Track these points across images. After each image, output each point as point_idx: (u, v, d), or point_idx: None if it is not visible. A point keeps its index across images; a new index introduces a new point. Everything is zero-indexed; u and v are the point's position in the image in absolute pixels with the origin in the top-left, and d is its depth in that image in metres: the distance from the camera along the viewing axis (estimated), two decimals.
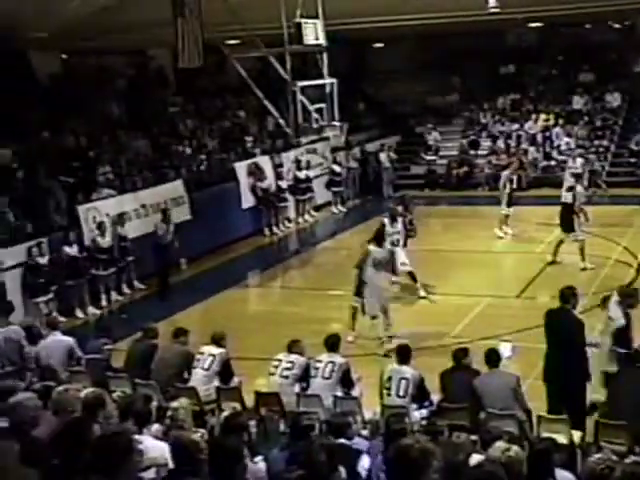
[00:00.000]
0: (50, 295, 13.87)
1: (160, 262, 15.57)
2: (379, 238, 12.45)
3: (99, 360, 9.82)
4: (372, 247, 12.18)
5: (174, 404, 6.55)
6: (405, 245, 14.17)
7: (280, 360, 9.06)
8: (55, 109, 18.13)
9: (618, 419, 7.48)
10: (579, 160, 18.66)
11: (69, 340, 9.96)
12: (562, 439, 7.41)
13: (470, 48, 26.99)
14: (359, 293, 12.14)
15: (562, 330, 8.52)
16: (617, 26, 27.31)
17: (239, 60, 15.77)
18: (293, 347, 9.18)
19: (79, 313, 14.53)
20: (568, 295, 8.61)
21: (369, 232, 14.71)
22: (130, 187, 17.32)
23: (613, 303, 8.93)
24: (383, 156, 24.60)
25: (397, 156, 25.26)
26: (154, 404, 6.69)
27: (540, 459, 5.25)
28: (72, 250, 14.47)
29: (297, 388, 8.94)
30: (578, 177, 17.11)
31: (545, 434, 7.41)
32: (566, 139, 23.96)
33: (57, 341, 9.90)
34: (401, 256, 13.90)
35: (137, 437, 5.39)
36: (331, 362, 8.82)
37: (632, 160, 22.91)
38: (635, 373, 7.89)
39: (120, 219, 15.62)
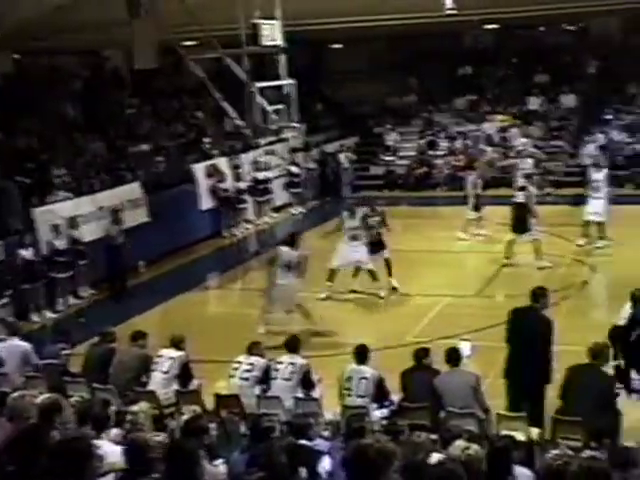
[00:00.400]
0: (5, 300, 13.64)
1: (113, 264, 15.44)
2: (292, 240, 12.52)
3: (56, 365, 9.67)
4: (282, 248, 12.26)
5: (133, 408, 6.48)
6: (377, 246, 14.18)
7: (240, 362, 9.03)
8: (8, 109, 17.84)
9: (575, 414, 7.58)
10: (529, 160, 18.84)
11: (25, 346, 9.79)
12: (520, 436, 7.49)
13: (427, 49, 27.22)
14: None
15: (527, 329, 8.56)
16: (571, 28, 27.75)
17: (196, 61, 15.66)
18: (253, 349, 9.15)
19: (35, 317, 14.30)
20: (538, 295, 8.69)
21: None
22: (87, 189, 17.12)
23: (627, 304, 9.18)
24: (342, 157, 24.64)
25: (356, 157, 25.33)
26: (112, 408, 6.62)
27: (499, 457, 5.29)
28: (28, 253, 14.24)
29: (257, 390, 8.90)
30: (529, 177, 17.39)
31: (504, 431, 7.49)
32: (523, 139, 24.22)
33: (13, 346, 9.74)
34: (362, 253, 13.93)
35: (95, 442, 5.32)
36: (291, 363, 8.80)
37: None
38: (593, 369, 7.99)
39: (73, 222, 15.41)
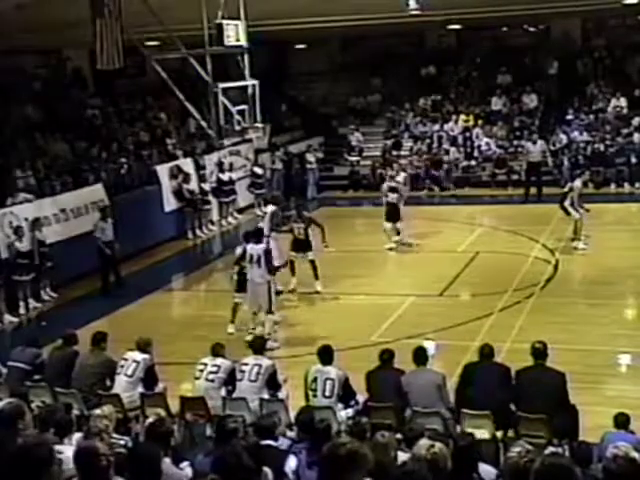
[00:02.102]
0: None
1: (103, 261, 15.56)
2: (258, 235, 12.64)
3: (18, 370, 9.51)
4: (249, 244, 12.35)
5: (96, 412, 6.41)
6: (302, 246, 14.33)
7: (206, 364, 8.98)
8: None
9: (533, 412, 7.64)
10: (402, 174, 18.52)
11: None
12: (485, 434, 7.55)
13: (391, 50, 27.38)
14: (240, 289, 12.43)
15: (487, 384, 8.20)
16: (532, 29, 28.08)
17: (159, 61, 15.53)
18: (219, 351, 9.10)
19: None
20: (488, 353, 8.49)
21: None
22: (49, 191, 16.92)
23: None
24: (310, 156, 24.65)
25: (323, 155, 25.36)
26: (75, 413, 6.54)
27: (464, 455, 5.31)
28: None
29: (223, 392, 8.87)
30: (394, 190, 17.35)
31: (469, 429, 7.54)
32: (486, 139, 24.46)
33: None
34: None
35: (58, 447, 5.25)
36: (257, 364, 8.77)
37: (549, 160, 23.50)
38: (541, 369, 8.04)
39: (36, 224, 15.22)
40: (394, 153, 25.38)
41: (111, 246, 15.59)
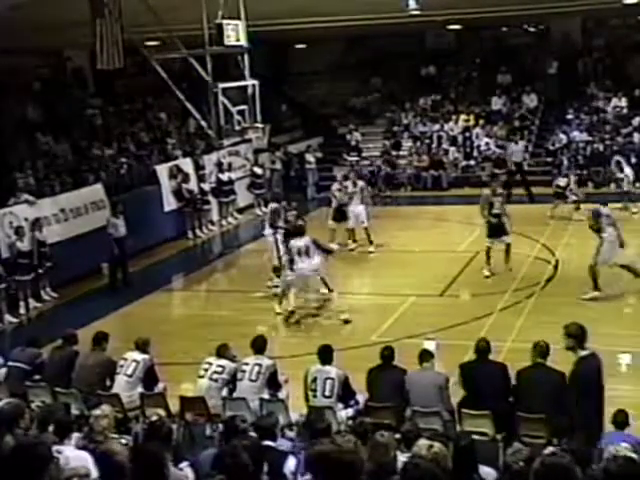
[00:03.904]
0: None
1: (116, 256, 15.69)
2: (299, 231, 13.03)
3: (18, 370, 9.51)
4: (291, 242, 12.86)
5: (96, 412, 6.41)
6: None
7: (210, 363, 8.98)
8: None
9: (533, 412, 7.63)
10: (362, 184, 18.11)
11: None
12: (485, 433, 7.55)
13: (391, 50, 27.38)
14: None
15: (485, 384, 8.12)
16: (532, 29, 28.10)
17: (159, 61, 15.54)
18: (224, 352, 9.10)
19: None
20: (484, 349, 8.40)
21: None
22: (49, 191, 16.92)
23: None
24: (310, 157, 24.64)
25: (323, 155, 25.37)
26: (75, 412, 6.54)
27: (464, 455, 5.31)
28: None
29: (225, 392, 8.87)
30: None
31: (468, 429, 7.54)
32: (486, 139, 24.46)
33: None
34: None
35: (58, 447, 5.26)
36: (258, 364, 8.78)
37: (549, 159, 23.53)
38: (541, 368, 8.03)
39: (36, 224, 15.21)
40: (394, 153, 25.40)
41: (122, 243, 15.67)
